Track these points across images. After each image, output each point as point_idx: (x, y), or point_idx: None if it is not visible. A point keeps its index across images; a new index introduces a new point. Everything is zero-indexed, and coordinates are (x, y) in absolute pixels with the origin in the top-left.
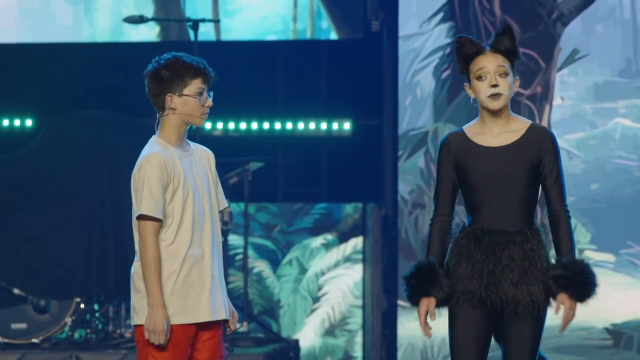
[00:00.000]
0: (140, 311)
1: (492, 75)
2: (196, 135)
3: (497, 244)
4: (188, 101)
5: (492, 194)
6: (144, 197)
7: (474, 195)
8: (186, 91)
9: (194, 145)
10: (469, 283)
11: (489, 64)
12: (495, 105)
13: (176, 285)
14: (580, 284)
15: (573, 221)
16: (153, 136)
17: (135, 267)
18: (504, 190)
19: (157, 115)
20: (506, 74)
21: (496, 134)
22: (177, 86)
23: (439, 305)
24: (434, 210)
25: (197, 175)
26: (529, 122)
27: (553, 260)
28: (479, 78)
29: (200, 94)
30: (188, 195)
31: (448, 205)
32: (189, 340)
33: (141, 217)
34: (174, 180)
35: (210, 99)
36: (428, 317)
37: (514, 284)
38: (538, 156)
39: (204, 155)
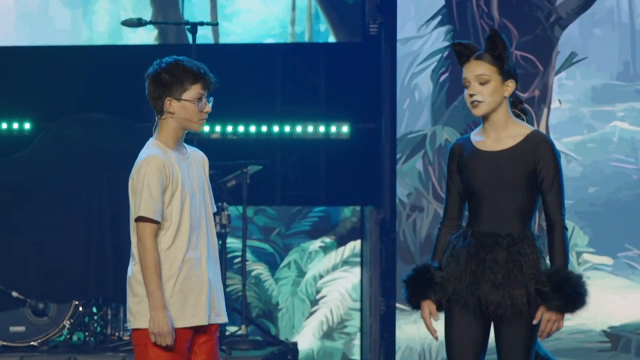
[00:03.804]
0: (138, 315)
1: (472, 84)
2: (194, 138)
3: (483, 245)
4: (186, 106)
5: (488, 197)
6: (143, 199)
7: (472, 198)
8: (185, 96)
9: (189, 149)
10: (456, 284)
11: (469, 73)
12: (475, 112)
13: (175, 288)
14: (562, 295)
15: (571, 224)
16: (151, 139)
17: (133, 271)
18: (498, 194)
19: (156, 118)
20: (486, 82)
21: (495, 138)
22: (176, 90)
23: (439, 307)
24: (443, 214)
25: (193, 178)
26: (531, 128)
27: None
28: (465, 87)
29: (200, 99)
30: (186, 199)
31: (456, 210)
32: (187, 344)
33: (140, 219)
34: (173, 183)
35: (210, 105)
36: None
37: (495, 287)
38: (534, 163)
39: (199, 159)
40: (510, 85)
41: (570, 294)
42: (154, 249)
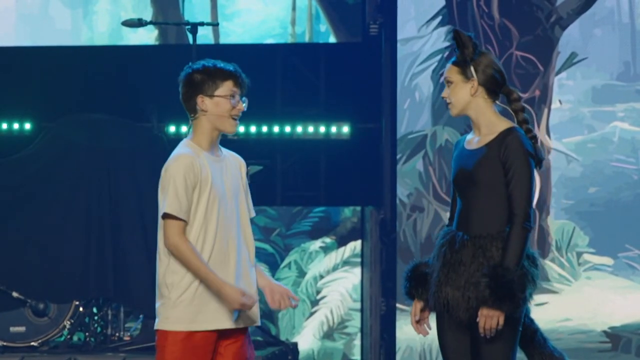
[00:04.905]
0: (159, 316)
1: (445, 87)
2: None
3: (452, 246)
4: (219, 102)
5: (463, 197)
6: (169, 197)
7: (457, 197)
8: (217, 92)
9: (225, 152)
10: (431, 285)
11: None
12: (450, 113)
13: (198, 291)
14: (490, 290)
15: (571, 224)
16: (184, 139)
17: (159, 273)
18: (470, 193)
19: (190, 119)
20: (450, 82)
21: (478, 136)
22: (209, 88)
23: (429, 306)
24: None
25: (227, 181)
26: (509, 125)
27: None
28: None
29: (232, 96)
30: (214, 201)
31: (455, 210)
32: (209, 347)
33: (165, 217)
34: (201, 184)
35: (245, 105)
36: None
37: (456, 288)
38: (500, 158)
39: (235, 162)
40: (474, 84)
41: (493, 289)
42: (184, 242)
